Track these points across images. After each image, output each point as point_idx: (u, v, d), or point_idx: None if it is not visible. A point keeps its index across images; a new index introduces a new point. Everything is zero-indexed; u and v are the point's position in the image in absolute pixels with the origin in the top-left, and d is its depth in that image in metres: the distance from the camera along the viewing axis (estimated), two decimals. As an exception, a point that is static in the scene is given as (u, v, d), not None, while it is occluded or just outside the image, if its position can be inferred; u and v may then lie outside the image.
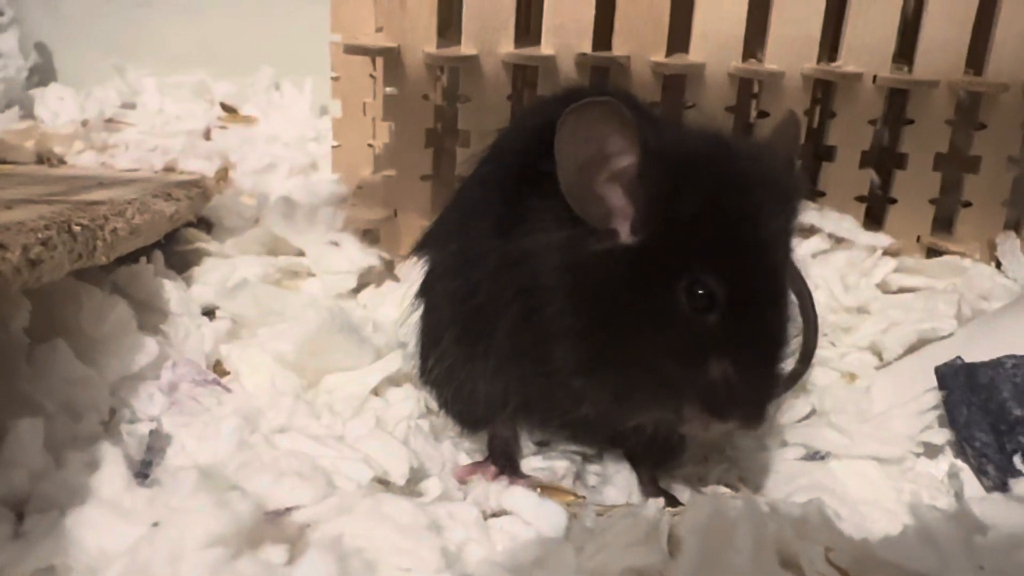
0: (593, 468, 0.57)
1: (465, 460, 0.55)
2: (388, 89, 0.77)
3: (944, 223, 0.84)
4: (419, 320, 0.58)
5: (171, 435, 0.51)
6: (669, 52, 0.76)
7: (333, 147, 0.93)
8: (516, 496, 0.47)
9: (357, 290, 0.77)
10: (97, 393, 0.51)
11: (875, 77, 0.77)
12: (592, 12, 0.74)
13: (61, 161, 1.04)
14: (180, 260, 0.73)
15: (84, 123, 1.07)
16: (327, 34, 1.21)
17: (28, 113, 1.12)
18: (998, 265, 0.81)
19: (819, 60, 0.77)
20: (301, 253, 0.79)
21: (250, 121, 1.20)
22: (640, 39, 0.75)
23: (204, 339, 0.61)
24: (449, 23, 0.78)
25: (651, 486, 0.56)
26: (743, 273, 0.44)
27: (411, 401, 0.58)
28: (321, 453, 0.47)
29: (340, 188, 0.91)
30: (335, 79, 0.90)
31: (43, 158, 1.04)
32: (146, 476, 0.48)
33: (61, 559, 0.40)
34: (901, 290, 0.78)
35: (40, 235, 0.48)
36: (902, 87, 0.77)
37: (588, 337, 0.46)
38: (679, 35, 0.76)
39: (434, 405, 0.58)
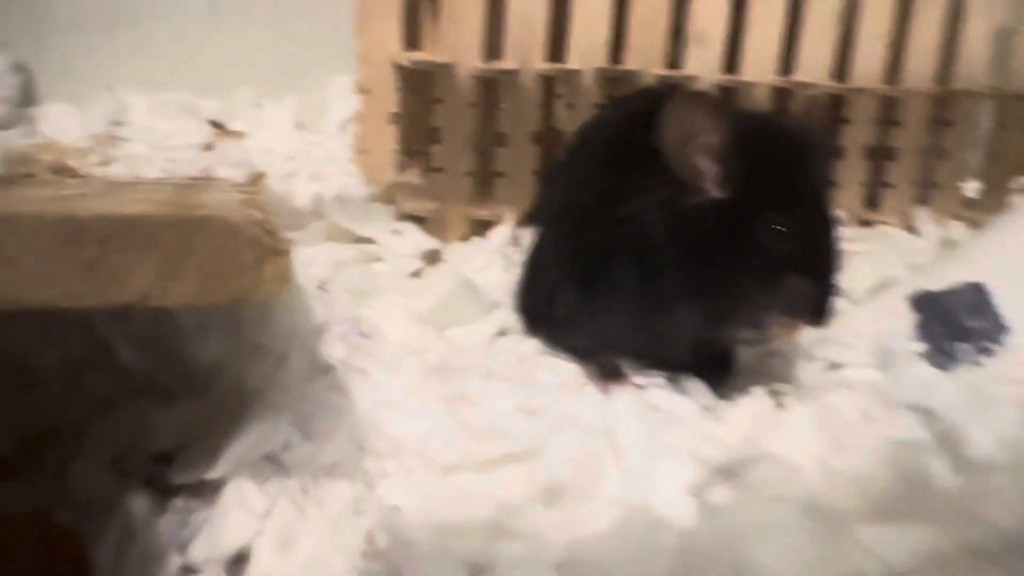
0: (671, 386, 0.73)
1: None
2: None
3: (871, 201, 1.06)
4: (527, 279, 0.72)
5: (367, 370, 0.62)
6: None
7: (360, 153, 1.04)
8: (654, 393, 0.62)
9: (418, 272, 0.89)
10: (302, 341, 0.62)
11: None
12: (607, 33, 0.91)
13: (75, 174, 1.09)
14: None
15: (95, 138, 1.13)
16: (303, 53, 1.33)
17: (31, 130, 1.16)
18: (914, 232, 1.04)
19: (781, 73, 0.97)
20: (363, 240, 0.91)
21: (239, 136, 1.28)
22: (645, 56, 0.93)
23: (341, 304, 0.73)
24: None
25: (721, 395, 0.72)
26: (804, 212, 0.61)
27: (525, 343, 0.72)
28: (509, 367, 0.60)
29: (371, 189, 1.03)
30: (365, 92, 1.02)
31: (59, 171, 1.09)
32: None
33: (358, 446, 0.51)
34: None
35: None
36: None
37: (691, 271, 0.61)
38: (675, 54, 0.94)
39: (542, 347, 0.72)
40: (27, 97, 1.26)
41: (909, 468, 0.45)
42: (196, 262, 0.33)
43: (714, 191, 0.61)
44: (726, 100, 0.80)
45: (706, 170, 0.61)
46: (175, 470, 0.51)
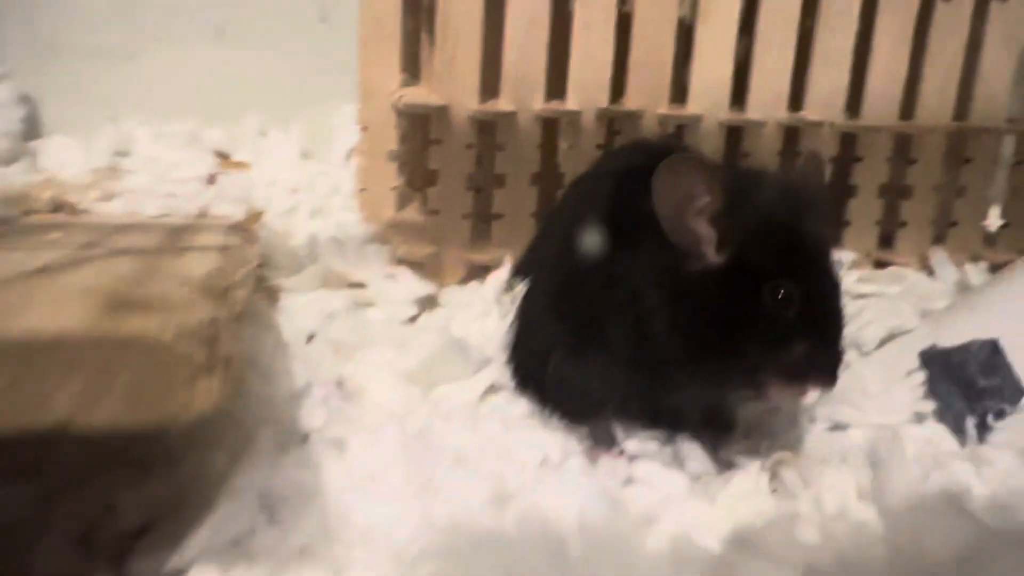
0: (666, 450, 0.70)
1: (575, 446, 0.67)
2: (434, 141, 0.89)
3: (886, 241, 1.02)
4: (517, 336, 0.70)
5: (344, 441, 0.60)
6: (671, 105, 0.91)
7: (360, 191, 1.02)
8: (644, 467, 0.60)
9: (413, 318, 0.87)
10: (279, 408, 0.60)
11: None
12: (609, 72, 0.89)
13: (75, 211, 1.09)
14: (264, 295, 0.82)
15: (96, 172, 1.12)
16: (309, 81, 1.32)
17: (32, 164, 1.16)
18: (930, 273, 1.00)
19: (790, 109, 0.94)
20: (357, 285, 0.89)
21: (243, 167, 1.27)
22: (648, 95, 0.90)
23: (326, 362, 0.71)
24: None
25: (720, 460, 0.69)
26: (808, 275, 0.58)
27: (516, 404, 0.69)
28: (489, 441, 0.58)
29: (369, 228, 1.01)
30: (364, 129, 1.00)
31: (58, 207, 1.08)
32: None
33: (326, 533, 0.49)
34: (860, 296, 0.95)
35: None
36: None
37: (691, 337, 0.59)
38: (678, 91, 0.92)
39: (533, 407, 0.69)
40: (31, 128, 1.26)
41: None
42: (122, 383, 0.31)
43: (712, 256, 0.59)
44: (721, 161, 0.77)
45: (703, 235, 0.58)
46: (138, 557, 0.49)
